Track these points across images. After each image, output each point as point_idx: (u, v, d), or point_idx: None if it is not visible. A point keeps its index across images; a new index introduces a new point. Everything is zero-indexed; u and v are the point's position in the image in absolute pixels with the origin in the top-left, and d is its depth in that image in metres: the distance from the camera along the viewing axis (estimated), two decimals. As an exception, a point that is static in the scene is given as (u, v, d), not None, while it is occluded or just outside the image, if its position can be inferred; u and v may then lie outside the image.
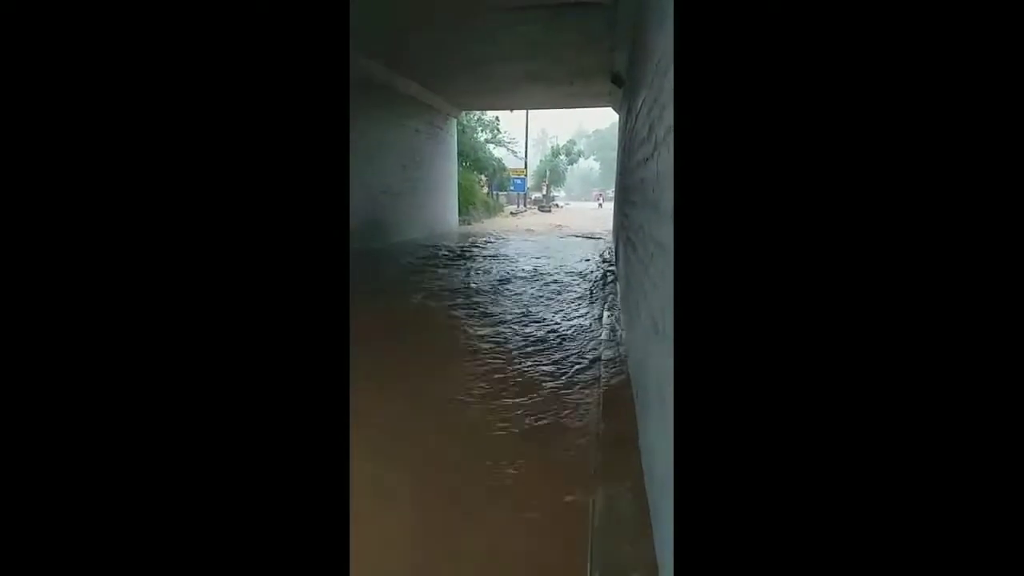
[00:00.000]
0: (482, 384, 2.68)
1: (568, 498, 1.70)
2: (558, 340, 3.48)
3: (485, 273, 6.22)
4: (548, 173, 28.78)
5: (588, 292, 5.06)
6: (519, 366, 2.94)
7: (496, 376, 2.75)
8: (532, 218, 18.83)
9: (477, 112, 17.65)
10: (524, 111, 19.14)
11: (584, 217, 18.89)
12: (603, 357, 3.06)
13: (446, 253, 7.96)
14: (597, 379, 2.75)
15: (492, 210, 18.93)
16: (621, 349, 3.12)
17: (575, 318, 4.07)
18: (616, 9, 5.05)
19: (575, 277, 5.93)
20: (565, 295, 4.95)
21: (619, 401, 2.39)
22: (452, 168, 13.31)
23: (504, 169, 21.44)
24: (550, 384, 2.69)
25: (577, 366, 2.94)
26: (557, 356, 3.15)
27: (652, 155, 1.90)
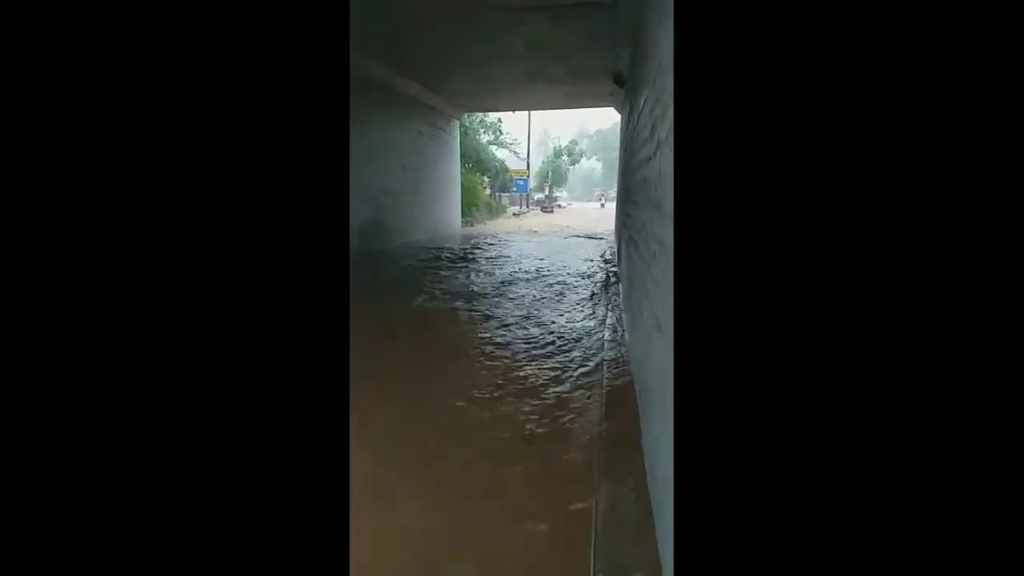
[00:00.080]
0: (485, 387, 2.66)
1: (577, 506, 1.67)
2: (561, 342, 3.47)
3: (488, 275, 6.21)
4: (550, 174, 28.78)
5: (590, 293, 5.05)
6: (521, 368, 2.93)
7: (498, 379, 2.74)
8: (534, 219, 18.84)
9: (479, 114, 17.67)
10: (526, 112, 19.15)
11: (586, 217, 18.89)
12: (606, 358, 3.05)
13: (448, 255, 7.96)
14: (600, 380, 2.74)
15: (495, 211, 18.94)
16: (624, 349, 3.12)
17: (578, 320, 4.07)
18: (617, 8, 5.05)
19: (578, 278, 5.93)
20: (568, 296, 4.94)
21: (622, 402, 2.39)
22: (455, 170, 13.32)
23: (506, 170, 21.45)
24: (553, 386, 2.68)
25: (582, 369, 2.91)
26: (560, 358, 3.14)
27: (655, 154, 1.90)
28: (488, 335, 3.62)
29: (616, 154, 9.71)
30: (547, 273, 6.24)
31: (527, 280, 5.76)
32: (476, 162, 18.40)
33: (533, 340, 3.49)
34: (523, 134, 22.86)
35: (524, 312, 4.27)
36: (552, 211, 23.51)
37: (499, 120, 19.65)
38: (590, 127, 52.76)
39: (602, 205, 28.49)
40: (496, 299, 4.78)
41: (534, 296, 4.91)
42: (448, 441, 2.09)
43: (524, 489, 1.77)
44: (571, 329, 3.76)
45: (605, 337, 3.49)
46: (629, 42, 4.95)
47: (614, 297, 4.70)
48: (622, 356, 3.02)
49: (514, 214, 20.70)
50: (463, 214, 14.35)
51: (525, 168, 22.97)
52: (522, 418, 2.32)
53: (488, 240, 10.62)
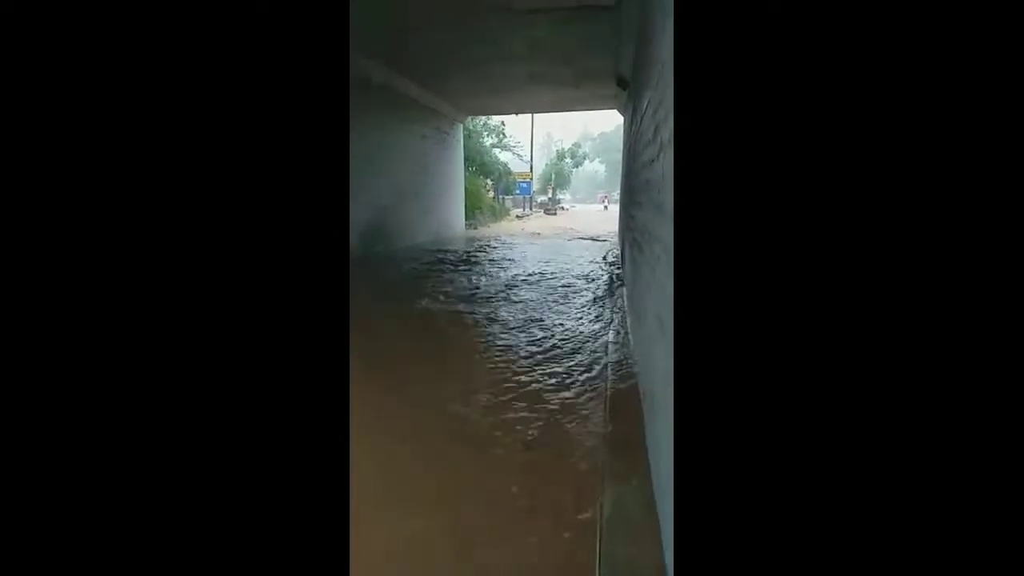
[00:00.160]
0: (487, 392, 2.65)
1: (583, 516, 1.64)
2: (565, 345, 3.46)
3: (491, 277, 6.20)
4: (553, 176, 28.79)
5: (594, 295, 5.03)
6: (525, 372, 2.91)
7: (502, 385, 2.72)
8: (538, 221, 18.83)
9: (483, 117, 17.71)
10: (529, 115, 19.17)
11: (589, 220, 18.86)
12: (610, 360, 3.04)
13: (452, 258, 7.96)
14: (604, 382, 2.73)
15: (498, 214, 18.96)
16: (628, 351, 3.10)
17: (582, 323, 4.05)
18: (620, 11, 5.05)
19: (582, 280, 5.91)
20: (572, 299, 4.93)
21: (626, 403, 2.38)
22: (458, 173, 13.34)
23: (510, 173, 21.46)
24: (557, 390, 2.66)
25: (587, 373, 2.89)
26: (565, 362, 3.13)
27: (658, 157, 1.89)
28: (492, 339, 3.60)
29: (619, 156, 9.70)
30: (551, 276, 6.22)
31: (531, 283, 5.74)
32: (479, 165, 18.42)
33: (537, 343, 3.48)
34: (526, 137, 22.86)
35: (528, 315, 4.25)
36: (555, 213, 23.50)
37: (502, 123, 19.69)
38: (593, 129, 52.75)
39: (605, 207, 28.46)
40: (500, 302, 4.76)
41: (538, 299, 4.90)
42: (449, 449, 2.07)
43: (526, 501, 1.73)
44: (575, 333, 3.75)
45: (609, 339, 3.48)
46: (632, 44, 4.95)
47: (618, 299, 4.68)
48: (626, 358, 3.01)
49: (517, 217, 20.71)
50: (466, 217, 14.37)
51: (528, 171, 22.98)
52: (526, 415, 2.32)
53: (491, 243, 10.62)
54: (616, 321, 3.92)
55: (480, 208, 16.68)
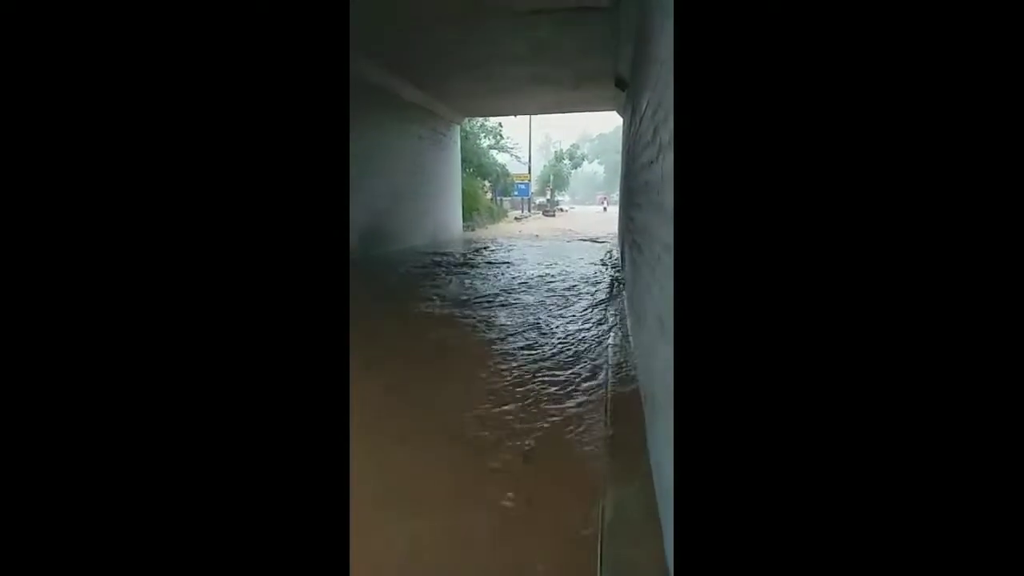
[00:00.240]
0: (488, 398, 2.64)
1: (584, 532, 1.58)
2: (565, 349, 3.44)
3: (489, 280, 6.19)
4: (552, 178, 28.84)
5: (595, 297, 5.02)
6: (525, 380, 2.89)
7: (501, 394, 2.68)
8: (536, 223, 18.85)
9: (480, 118, 17.72)
10: (527, 116, 19.20)
11: (589, 221, 18.90)
12: (611, 363, 3.03)
13: (449, 260, 7.94)
14: (605, 385, 2.72)
15: (496, 216, 18.98)
16: (628, 352, 3.09)
17: (583, 327, 4.03)
18: (618, 12, 5.05)
19: (582, 283, 5.91)
20: (571, 302, 4.92)
21: (627, 406, 2.36)
22: (455, 174, 13.35)
23: (508, 174, 21.50)
24: (558, 400, 2.64)
25: (589, 381, 2.84)
26: (564, 368, 3.11)
27: (657, 158, 1.88)
28: (490, 344, 3.58)
29: (618, 157, 9.72)
30: (551, 278, 6.21)
31: (530, 286, 5.73)
32: (477, 166, 18.45)
33: (536, 347, 3.46)
34: (524, 138, 22.99)
35: (527, 319, 4.22)
36: (554, 215, 23.56)
37: (499, 124, 19.73)
38: (592, 131, 52.89)
39: (605, 209, 28.53)
40: (498, 306, 4.72)
41: (537, 302, 4.88)
42: (447, 461, 2.04)
43: (525, 511, 1.69)
44: (576, 337, 3.73)
45: (609, 342, 3.47)
46: (630, 45, 4.95)
47: (619, 302, 4.67)
48: (627, 360, 3.00)
49: (516, 218, 20.74)
50: (464, 219, 14.37)
51: (526, 172, 23.03)
52: (527, 418, 2.30)
53: (489, 245, 10.62)
54: (617, 324, 3.91)
55: (478, 210, 16.70)
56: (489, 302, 4.88)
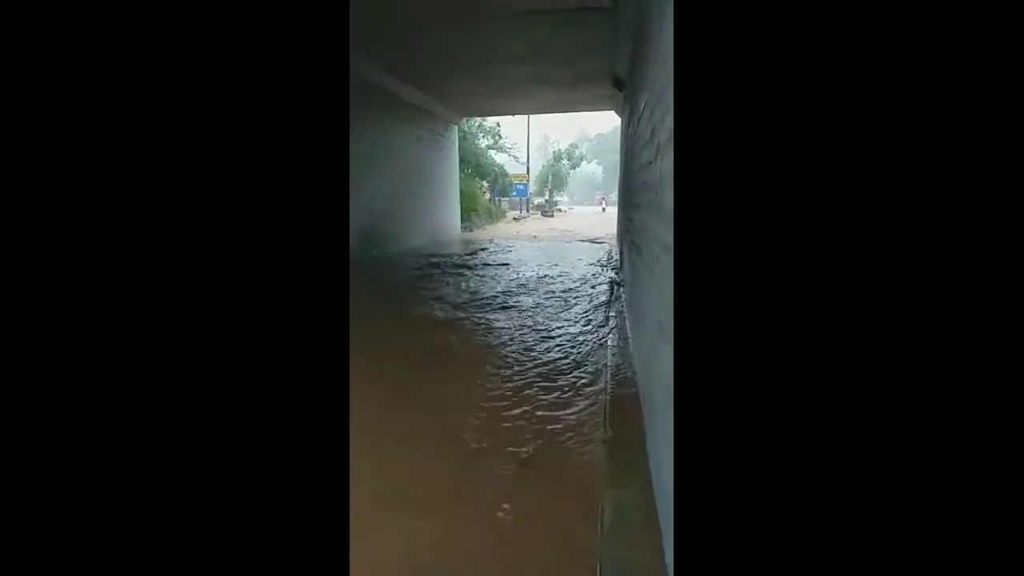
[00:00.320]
0: (484, 406, 2.62)
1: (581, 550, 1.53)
2: (563, 351, 3.43)
3: (488, 282, 6.18)
4: (550, 178, 28.87)
5: (593, 300, 5.02)
6: (523, 385, 2.87)
7: (500, 401, 2.65)
8: (535, 223, 18.87)
9: (478, 118, 17.73)
10: (525, 116, 19.22)
11: (587, 221, 18.92)
12: (609, 364, 3.02)
13: (447, 262, 7.93)
14: (604, 386, 2.71)
15: (494, 216, 18.99)
16: (627, 354, 3.09)
17: (583, 327, 4.03)
18: (617, 12, 5.05)
19: (580, 284, 5.90)
20: (571, 303, 4.91)
21: (625, 407, 2.35)
22: (453, 175, 13.35)
23: (506, 175, 21.53)
24: (558, 407, 2.63)
25: (591, 386, 2.82)
26: (563, 367, 3.11)
27: (655, 158, 1.87)
28: (488, 348, 3.56)
29: (617, 157, 9.73)
30: (549, 280, 6.20)
31: (529, 288, 5.72)
32: (475, 167, 18.45)
33: (534, 351, 3.45)
34: (522, 138, 22.99)
35: (525, 322, 4.21)
36: (552, 215, 23.59)
37: (498, 124, 19.74)
38: (590, 131, 52.98)
39: (603, 209, 28.58)
40: (497, 309, 4.71)
41: (536, 305, 4.86)
42: (446, 469, 2.03)
43: (522, 525, 1.66)
44: (575, 340, 3.73)
45: (609, 343, 3.46)
46: (629, 45, 4.95)
47: (618, 304, 4.66)
48: (626, 361, 2.99)
49: (514, 219, 20.76)
50: (462, 219, 14.38)
51: (525, 172, 23.05)
52: (527, 421, 2.29)
53: (488, 246, 10.61)
54: (616, 326, 3.90)
55: (476, 210, 16.71)
56: (488, 305, 4.86)
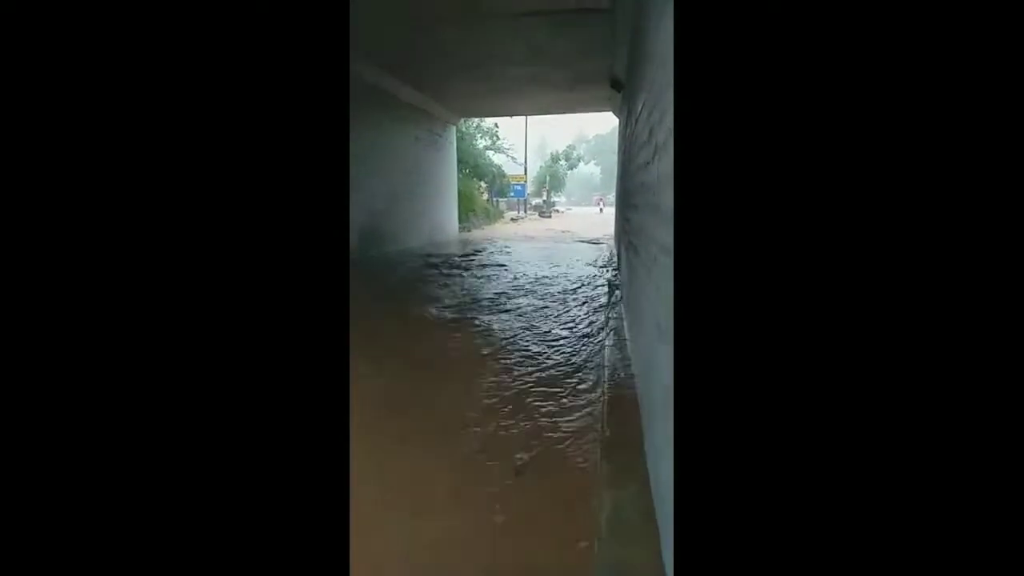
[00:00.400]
0: (480, 408, 2.62)
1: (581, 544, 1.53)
2: (561, 353, 3.43)
3: (486, 283, 6.18)
4: (548, 179, 28.88)
5: (591, 302, 5.01)
6: (522, 388, 2.87)
7: (498, 408, 2.65)
8: (532, 224, 18.89)
9: (476, 119, 17.73)
10: (523, 117, 19.23)
11: (585, 222, 18.94)
12: (607, 364, 3.02)
13: (445, 262, 7.91)
14: (601, 386, 2.71)
15: (492, 217, 19.00)
16: (625, 355, 3.09)
17: (581, 328, 4.03)
18: (615, 14, 5.06)
19: (578, 284, 5.91)
20: (568, 304, 4.90)
21: (623, 408, 2.36)
22: (451, 175, 13.35)
23: (504, 175, 21.54)
24: (559, 415, 2.62)
25: (590, 393, 2.80)
26: (560, 368, 3.11)
27: (653, 159, 1.88)
28: (486, 351, 3.54)
29: (615, 158, 9.73)
30: (547, 281, 6.19)
31: (526, 289, 5.71)
32: (473, 167, 18.45)
33: (531, 354, 3.44)
34: (520, 139, 22.98)
35: (523, 324, 4.20)
36: (550, 216, 23.62)
37: (495, 125, 19.74)
38: (588, 132, 53.02)
39: (601, 210, 28.60)
40: (496, 311, 4.69)
41: (533, 306, 4.85)
42: (446, 476, 2.03)
43: (520, 527, 1.64)
44: (572, 341, 3.72)
45: (607, 343, 3.46)
46: (626, 46, 4.95)
47: (615, 304, 4.67)
48: (624, 360, 2.99)
49: (512, 219, 20.79)
50: (460, 220, 14.38)
51: (523, 173, 23.06)
52: (524, 423, 2.29)
53: (485, 246, 10.61)
54: (614, 327, 3.90)
55: (474, 210, 16.71)
56: (485, 307, 4.84)
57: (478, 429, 2.26)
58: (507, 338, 3.74)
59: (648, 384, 1.88)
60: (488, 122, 19.24)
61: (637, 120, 2.99)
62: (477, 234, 14.24)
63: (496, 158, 21.03)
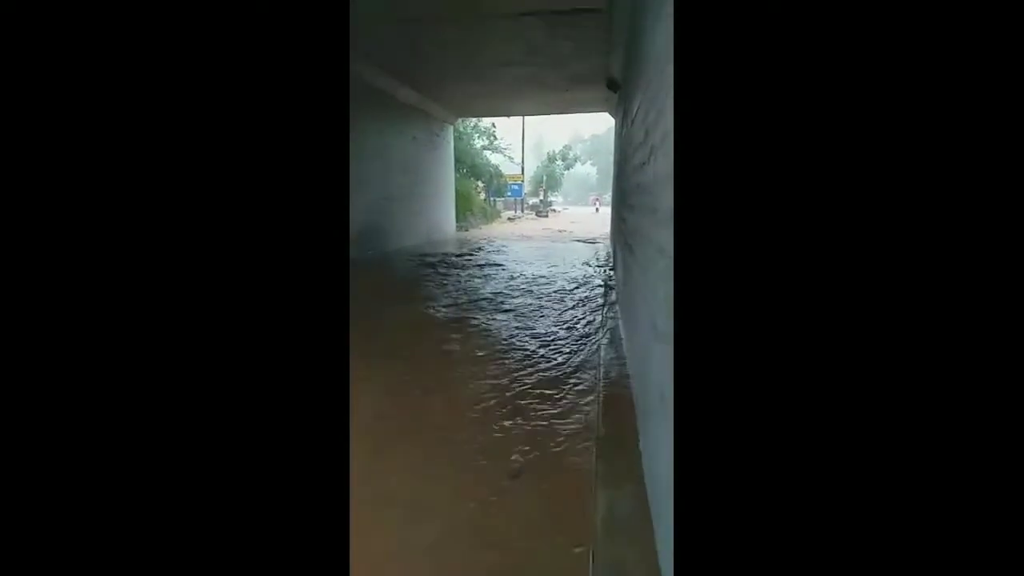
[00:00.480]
0: (475, 407, 2.62)
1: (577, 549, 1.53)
2: (558, 353, 3.44)
3: (483, 281, 6.17)
4: (545, 179, 28.88)
5: (588, 301, 5.02)
6: (519, 389, 2.87)
7: (497, 410, 2.65)
8: (529, 223, 18.87)
9: (473, 119, 17.72)
10: (520, 117, 19.23)
11: (581, 222, 18.92)
12: (603, 362, 3.03)
13: (442, 261, 7.91)
14: (597, 385, 2.72)
15: (489, 216, 18.99)
16: (621, 354, 3.10)
17: (577, 328, 4.03)
18: (611, 14, 5.07)
19: (574, 284, 5.91)
20: (565, 303, 4.91)
21: (618, 406, 2.37)
22: (449, 175, 13.34)
23: (501, 175, 21.51)
24: (557, 417, 2.63)
25: (586, 396, 2.81)
26: (557, 368, 3.11)
27: (649, 159, 1.89)
28: (484, 351, 3.55)
29: (611, 159, 9.75)
30: (543, 280, 6.20)
31: (523, 288, 5.71)
32: (470, 167, 18.43)
33: (528, 352, 3.45)
34: (517, 139, 22.97)
35: (520, 323, 4.20)
36: (547, 216, 23.61)
37: (492, 125, 19.73)
38: (584, 132, 53.00)
39: (597, 210, 28.58)
40: (491, 310, 4.68)
41: (530, 305, 4.85)
42: (441, 471, 2.04)
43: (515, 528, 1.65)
44: (569, 341, 3.73)
45: (603, 342, 3.47)
46: (623, 47, 4.96)
47: (611, 302, 4.67)
48: (619, 359, 3.00)
49: (509, 219, 20.77)
50: (457, 219, 14.36)
51: (519, 173, 23.07)
52: (520, 421, 2.30)
53: (483, 245, 10.60)
54: (611, 327, 3.91)
55: (471, 210, 16.70)
56: (484, 307, 4.84)
57: (476, 430, 2.27)
58: (505, 338, 3.75)
59: (643, 383, 1.89)
60: (485, 122, 19.22)
61: (633, 121, 3.00)
62: (474, 233, 14.23)
63: (493, 158, 21.02)
